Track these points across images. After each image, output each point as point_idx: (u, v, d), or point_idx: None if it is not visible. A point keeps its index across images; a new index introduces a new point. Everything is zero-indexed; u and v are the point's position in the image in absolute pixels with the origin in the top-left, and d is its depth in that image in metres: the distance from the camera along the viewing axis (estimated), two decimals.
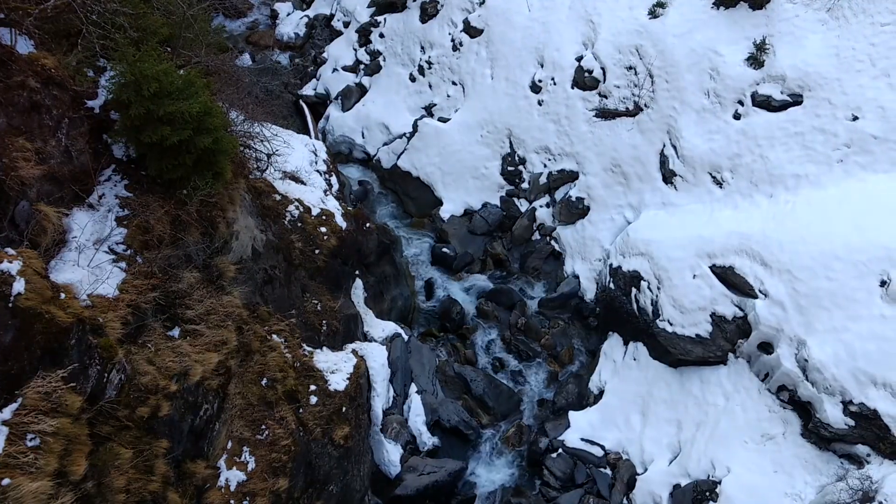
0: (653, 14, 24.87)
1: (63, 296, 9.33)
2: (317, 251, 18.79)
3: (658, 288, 20.84)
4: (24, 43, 11.60)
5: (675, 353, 20.20)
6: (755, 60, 22.73)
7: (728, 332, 19.70)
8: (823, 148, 20.98)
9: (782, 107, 22.05)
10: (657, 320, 20.63)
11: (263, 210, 17.08)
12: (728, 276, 19.92)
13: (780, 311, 18.78)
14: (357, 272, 21.26)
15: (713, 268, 20.21)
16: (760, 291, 19.31)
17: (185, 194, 12.51)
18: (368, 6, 32.03)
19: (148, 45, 11.74)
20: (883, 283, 17.90)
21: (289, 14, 35.36)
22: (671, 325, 20.33)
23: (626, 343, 21.98)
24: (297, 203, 19.01)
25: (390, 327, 21.36)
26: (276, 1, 36.18)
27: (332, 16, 33.81)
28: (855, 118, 20.93)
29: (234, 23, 35.29)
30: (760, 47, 22.67)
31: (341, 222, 19.98)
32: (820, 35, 22.31)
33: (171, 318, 11.97)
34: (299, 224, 18.65)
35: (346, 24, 32.66)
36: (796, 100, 21.92)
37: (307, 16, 34.72)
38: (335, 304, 18.86)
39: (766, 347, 19.10)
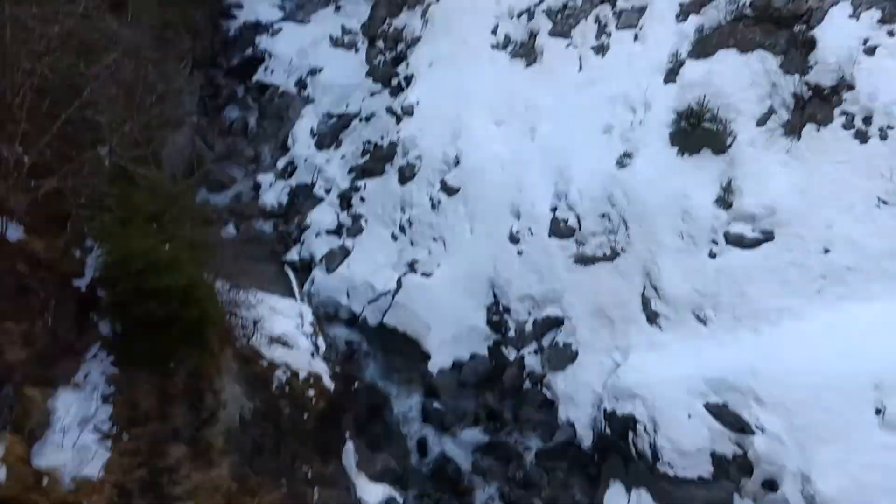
0: (621, 164, 25.81)
1: (45, 481, 9.09)
2: (305, 415, 18.46)
3: (654, 430, 20.49)
4: (14, 229, 11.91)
5: (678, 499, 19.60)
6: (724, 202, 23.34)
7: (730, 472, 19.26)
8: (800, 281, 21.26)
9: (755, 244, 22.42)
10: (657, 464, 20.14)
11: (251, 377, 16.95)
12: (723, 414, 19.69)
13: (779, 446, 18.45)
14: (347, 434, 20.84)
15: (707, 406, 20.01)
16: (757, 427, 19.05)
17: (172, 367, 12.48)
18: (349, 172, 33.21)
19: (134, 224, 12.07)
20: (878, 412, 17.78)
21: (271, 184, 36.41)
22: (671, 468, 19.85)
23: (628, 490, 21.26)
24: (284, 367, 18.84)
25: (384, 491, 20.68)
26: (259, 172, 37.39)
27: (314, 184, 34.87)
28: (827, 251, 21.29)
29: (217, 196, 36.26)
30: (727, 189, 23.38)
31: (329, 384, 19.74)
32: (783, 176, 22.94)
33: (158, 496, 11.61)
34: (287, 389, 18.43)
35: (328, 191, 33.66)
36: (768, 237, 22.31)
37: (289, 185, 35.77)
38: (326, 470, 18.35)
39: (771, 485, 18.62)
